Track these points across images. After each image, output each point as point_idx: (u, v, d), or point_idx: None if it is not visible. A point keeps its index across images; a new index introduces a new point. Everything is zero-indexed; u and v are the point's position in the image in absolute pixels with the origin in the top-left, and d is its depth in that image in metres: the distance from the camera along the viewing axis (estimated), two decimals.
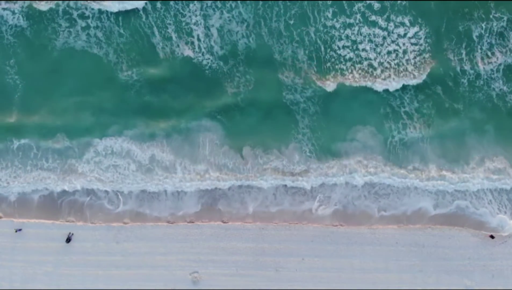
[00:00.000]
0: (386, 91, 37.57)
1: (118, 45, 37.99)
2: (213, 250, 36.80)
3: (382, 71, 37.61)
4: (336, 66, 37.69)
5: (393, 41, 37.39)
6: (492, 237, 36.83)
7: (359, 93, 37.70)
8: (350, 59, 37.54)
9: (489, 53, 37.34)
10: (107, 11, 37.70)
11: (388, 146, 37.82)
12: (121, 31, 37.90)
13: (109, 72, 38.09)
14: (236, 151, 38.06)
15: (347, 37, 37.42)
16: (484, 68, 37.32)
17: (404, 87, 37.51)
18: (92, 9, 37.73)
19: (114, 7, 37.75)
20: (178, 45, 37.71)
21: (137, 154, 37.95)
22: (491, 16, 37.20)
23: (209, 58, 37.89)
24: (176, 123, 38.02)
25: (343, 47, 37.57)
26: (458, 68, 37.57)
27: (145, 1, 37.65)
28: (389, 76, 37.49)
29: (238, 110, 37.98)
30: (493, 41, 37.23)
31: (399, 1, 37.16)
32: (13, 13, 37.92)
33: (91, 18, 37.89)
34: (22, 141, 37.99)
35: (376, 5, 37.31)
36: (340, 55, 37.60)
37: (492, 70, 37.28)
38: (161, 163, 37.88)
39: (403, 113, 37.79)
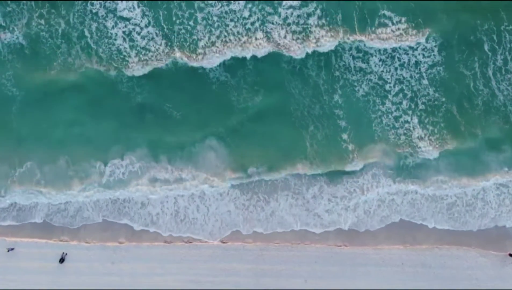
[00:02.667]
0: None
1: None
2: (212, 271, 35.74)
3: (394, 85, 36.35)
4: (344, 76, 36.28)
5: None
6: (511, 255, 35.81)
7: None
8: (361, 69, 36.16)
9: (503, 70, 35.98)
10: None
11: (401, 165, 36.55)
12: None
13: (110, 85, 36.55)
14: (240, 168, 36.58)
15: (358, 48, 36.11)
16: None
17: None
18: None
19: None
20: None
21: (140, 174, 36.46)
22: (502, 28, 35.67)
23: (216, 69, 36.40)
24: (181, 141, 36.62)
25: (353, 58, 36.28)
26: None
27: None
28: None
29: (244, 126, 36.55)
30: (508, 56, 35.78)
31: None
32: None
33: None
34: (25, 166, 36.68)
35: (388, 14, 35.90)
36: (349, 66, 36.23)
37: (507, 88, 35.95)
38: (164, 183, 36.55)
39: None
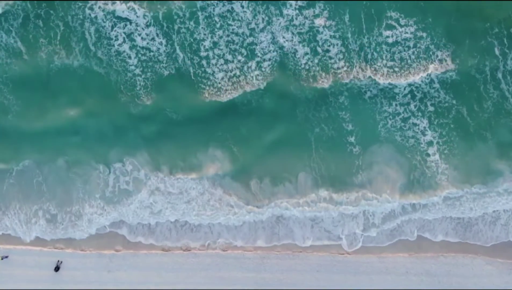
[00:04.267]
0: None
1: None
2: (211, 280, 35.10)
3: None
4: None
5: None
6: None
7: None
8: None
9: None
10: None
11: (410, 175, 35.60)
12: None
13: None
14: (243, 180, 35.73)
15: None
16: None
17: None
18: None
19: None
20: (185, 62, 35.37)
21: (141, 183, 35.67)
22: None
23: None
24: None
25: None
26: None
27: None
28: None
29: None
30: None
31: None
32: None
33: None
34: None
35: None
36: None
37: None
38: (165, 193, 35.69)
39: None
